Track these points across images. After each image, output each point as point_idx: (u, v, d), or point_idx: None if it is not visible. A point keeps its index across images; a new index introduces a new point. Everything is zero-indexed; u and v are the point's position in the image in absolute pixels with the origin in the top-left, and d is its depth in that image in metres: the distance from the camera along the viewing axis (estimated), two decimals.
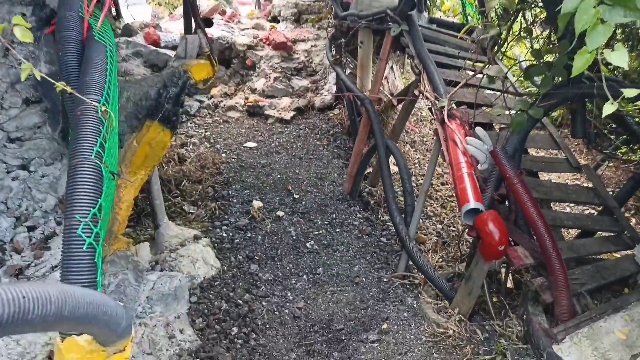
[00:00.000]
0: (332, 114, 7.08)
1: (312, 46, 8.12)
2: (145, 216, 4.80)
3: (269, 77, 7.63)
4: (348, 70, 6.92)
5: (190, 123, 6.94)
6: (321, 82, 7.71)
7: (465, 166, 3.00)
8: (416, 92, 3.73)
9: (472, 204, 2.75)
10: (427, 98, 3.75)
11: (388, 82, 7.49)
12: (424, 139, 6.75)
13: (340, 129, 6.71)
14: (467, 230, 2.90)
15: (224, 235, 4.67)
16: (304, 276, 4.19)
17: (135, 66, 5.45)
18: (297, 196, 5.30)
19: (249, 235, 4.67)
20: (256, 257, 4.39)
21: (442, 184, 5.70)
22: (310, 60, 8.02)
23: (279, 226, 4.82)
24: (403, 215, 4.37)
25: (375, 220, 4.98)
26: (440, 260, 4.32)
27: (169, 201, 5.13)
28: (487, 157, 3.00)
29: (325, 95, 7.25)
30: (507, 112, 2.97)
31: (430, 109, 3.68)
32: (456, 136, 3.21)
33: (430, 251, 4.53)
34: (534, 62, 3.09)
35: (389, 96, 7.05)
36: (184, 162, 5.82)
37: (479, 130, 3.03)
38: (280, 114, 7.00)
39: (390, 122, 6.31)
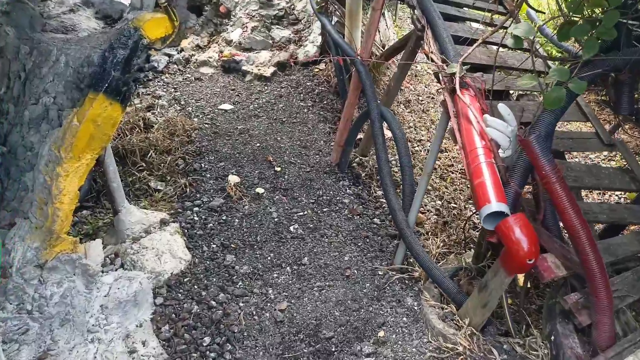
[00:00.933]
0: (317, 69, 6.34)
1: None
2: (105, 195, 4.18)
3: (246, 27, 6.78)
4: (335, 19, 6.11)
5: (158, 81, 6.17)
6: (305, 31, 6.89)
7: (483, 153, 2.40)
8: (421, 54, 3.05)
9: (495, 205, 2.18)
10: (432, 60, 3.08)
11: (379, 32, 6.70)
12: (420, 98, 6.08)
13: (327, 87, 6.00)
14: (485, 234, 2.35)
15: (196, 218, 4.07)
16: (288, 268, 3.66)
17: (85, 18, 4.60)
18: (279, 169, 4.68)
19: (224, 218, 4.09)
20: (232, 246, 3.82)
21: (441, 151, 5.11)
22: (293, 6, 7.14)
23: (259, 206, 4.23)
24: (400, 192, 3.82)
25: (367, 197, 4.41)
26: (442, 245, 3.81)
27: (134, 176, 4.50)
28: (512, 141, 2.40)
29: (309, 50, 6.46)
30: (538, 82, 2.33)
31: (436, 75, 3.02)
32: (470, 112, 2.59)
33: (430, 234, 4.01)
34: (571, 19, 2.42)
35: (381, 49, 6.31)
36: (151, 129, 5.12)
37: (502, 108, 2.41)
38: (259, 69, 6.24)
39: (383, 79, 5.62)
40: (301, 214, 4.16)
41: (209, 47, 6.79)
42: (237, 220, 4.08)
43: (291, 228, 4.01)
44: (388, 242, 3.89)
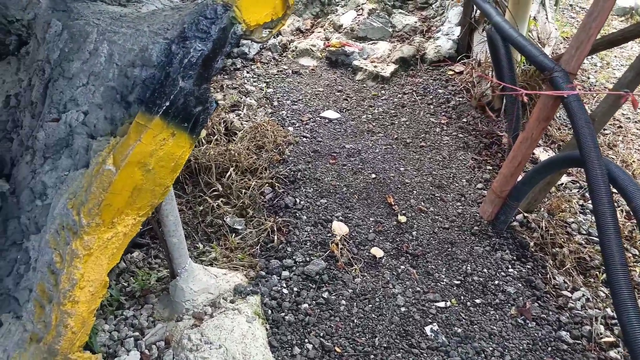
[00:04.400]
0: (451, 72, 4.79)
1: None
2: (162, 248, 2.98)
3: (361, 10, 5.34)
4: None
5: (247, 72, 4.92)
6: (436, 19, 5.34)
7: None
8: None
9: None
10: None
11: (537, 23, 5.01)
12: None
13: (467, 97, 4.45)
14: None
15: (285, 291, 2.77)
16: None
17: None
18: (403, 219, 3.26)
19: (325, 295, 2.75)
20: (337, 349, 2.48)
21: None
22: None
23: (377, 281, 2.85)
24: None
25: (542, 285, 2.88)
26: None
27: (205, 204, 3.28)
28: None
29: (442, 45, 4.91)
30: None
31: None
32: None
33: None
34: None
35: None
36: (233, 137, 3.88)
37: None
38: (375, 67, 4.80)
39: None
40: (441, 305, 2.72)
41: (312, 32, 5.43)
42: (344, 301, 2.73)
43: (427, 329, 2.59)
44: None
